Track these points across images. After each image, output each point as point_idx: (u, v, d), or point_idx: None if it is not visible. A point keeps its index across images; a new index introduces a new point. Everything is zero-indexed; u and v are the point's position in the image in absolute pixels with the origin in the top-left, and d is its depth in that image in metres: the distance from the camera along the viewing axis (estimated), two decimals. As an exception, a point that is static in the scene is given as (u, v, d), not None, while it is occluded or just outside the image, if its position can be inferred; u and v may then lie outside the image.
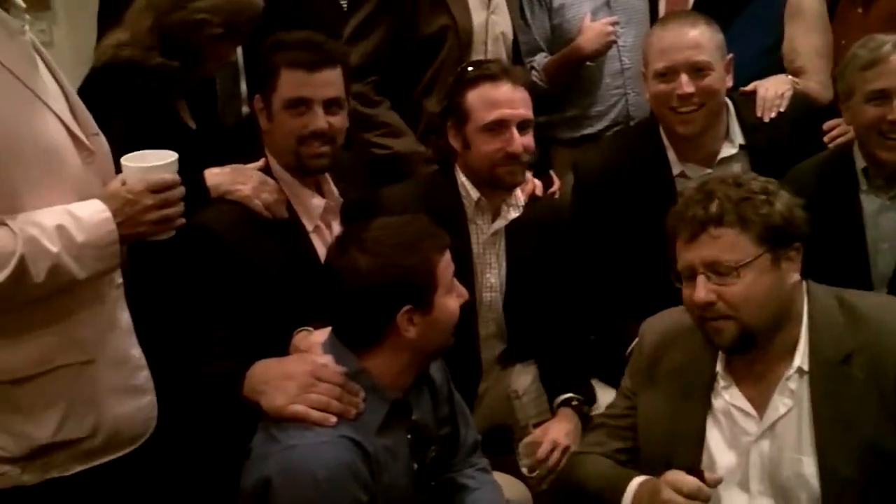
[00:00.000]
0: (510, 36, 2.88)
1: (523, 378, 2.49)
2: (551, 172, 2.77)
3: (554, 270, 2.40)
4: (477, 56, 2.74)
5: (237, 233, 2.05)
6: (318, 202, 2.17)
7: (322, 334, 1.86)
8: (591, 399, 2.36)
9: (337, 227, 2.19)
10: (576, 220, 2.51)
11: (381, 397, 1.78)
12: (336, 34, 2.57)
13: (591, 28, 2.97)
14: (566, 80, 3.05)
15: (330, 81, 2.11)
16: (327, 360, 1.79)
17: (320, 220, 2.18)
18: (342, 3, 2.92)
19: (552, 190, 2.66)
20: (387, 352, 1.77)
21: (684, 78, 2.33)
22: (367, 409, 1.75)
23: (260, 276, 2.03)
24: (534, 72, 3.03)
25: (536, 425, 2.34)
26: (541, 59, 3.05)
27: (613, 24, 2.96)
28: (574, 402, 2.32)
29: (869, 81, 2.22)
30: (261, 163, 2.17)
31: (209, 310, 2.02)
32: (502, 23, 2.85)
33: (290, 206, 2.14)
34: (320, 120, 2.09)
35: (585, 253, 2.46)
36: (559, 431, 2.25)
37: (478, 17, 2.76)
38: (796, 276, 1.78)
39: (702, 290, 1.71)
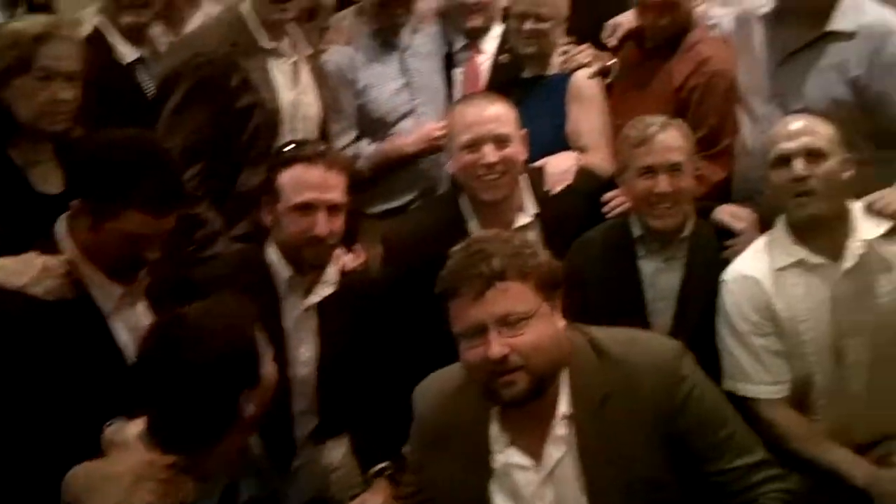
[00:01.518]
0: (319, 116, 2.97)
1: (336, 452, 2.53)
2: (358, 245, 2.82)
3: (367, 344, 2.44)
4: (287, 135, 2.82)
5: (19, 322, 1.93)
6: (116, 288, 2.06)
7: (137, 426, 1.74)
8: (404, 467, 2.38)
9: (143, 309, 2.13)
10: (387, 292, 2.58)
11: (210, 485, 1.74)
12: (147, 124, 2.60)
13: (418, 131, 3.11)
14: (388, 172, 3.17)
15: None
16: (151, 456, 1.67)
17: (121, 300, 2.08)
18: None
19: (362, 261, 2.71)
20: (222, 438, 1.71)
21: (489, 148, 2.52)
22: (198, 500, 1.69)
23: (52, 367, 1.91)
24: (359, 159, 3.13)
25: (352, 498, 2.38)
26: (365, 146, 3.16)
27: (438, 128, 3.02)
28: (388, 472, 2.37)
29: (639, 158, 2.48)
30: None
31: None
32: (310, 103, 2.93)
33: (84, 289, 2.02)
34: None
35: (398, 324, 2.51)
36: (374, 503, 2.32)
37: (285, 96, 2.84)
38: (563, 322, 1.90)
39: (496, 344, 1.75)
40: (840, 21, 2.63)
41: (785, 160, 2.31)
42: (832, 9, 2.64)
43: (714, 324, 2.44)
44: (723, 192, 2.82)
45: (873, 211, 2.34)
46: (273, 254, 2.40)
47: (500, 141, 2.53)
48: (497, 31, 3.29)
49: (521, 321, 1.78)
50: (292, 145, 2.49)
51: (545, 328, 1.81)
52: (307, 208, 2.32)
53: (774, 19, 2.78)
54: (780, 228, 2.40)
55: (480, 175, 2.53)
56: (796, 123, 2.36)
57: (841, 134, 2.38)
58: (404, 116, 3.19)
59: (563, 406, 1.85)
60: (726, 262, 2.47)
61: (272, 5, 2.77)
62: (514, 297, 1.78)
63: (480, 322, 1.77)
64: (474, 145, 2.53)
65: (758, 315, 2.36)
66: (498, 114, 2.57)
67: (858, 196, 2.39)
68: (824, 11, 2.65)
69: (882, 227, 2.30)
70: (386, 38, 3.19)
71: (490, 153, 2.51)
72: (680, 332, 2.46)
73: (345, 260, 2.57)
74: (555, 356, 1.83)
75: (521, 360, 1.77)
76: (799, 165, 2.28)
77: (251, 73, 2.77)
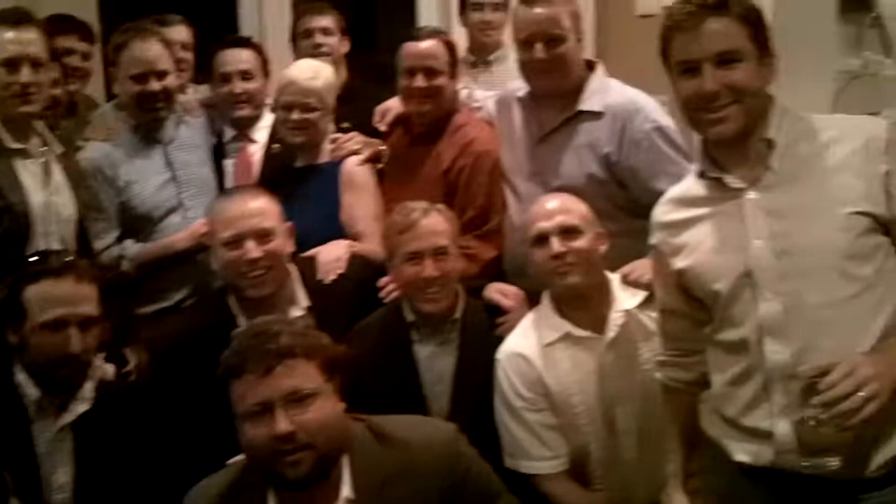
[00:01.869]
0: (73, 216, 2.79)
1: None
2: (126, 351, 2.69)
3: (130, 461, 2.28)
4: (40, 239, 2.64)
5: None
6: None
7: None
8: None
9: None
10: (152, 400, 2.43)
11: None
12: None
13: (189, 228, 2.99)
14: (158, 271, 3.04)
15: None
16: None
17: None
18: None
19: (126, 369, 2.60)
20: None
21: (251, 244, 2.46)
22: None
23: None
24: (123, 260, 2.99)
25: None
26: (130, 245, 3.01)
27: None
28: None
29: (404, 244, 2.49)
30: None
31: None
32: (65, 203, 2.76)
33: None
34: None
35: (165, 433, 2.37)
36: None
37: (36, 198, 2.66)
38: (343, 405, 1.90)
39: (283, 421, 1.75)
40: (589, 102, 2.76)
41: (543, 238, 2.38)
42: (582, 90, 2.78)
43: (492, 403, 2.46)
44: (495, 270, 2.88)
45: (629, 282, 2.44)
46: (20, 374, 2.24)
47: (263, 235, 2.48)
48: (268, 120, 3.26)
49: (307, 399, 1.79)
50: (37, 258, 2.35)
51: (330, 408, 1.83)
52: (58, 326, 2.19)
53: (531, 101, 2.89)
54: (545, 304, 2.46)
55: (245, 272, 2.48)
56: (551, 203, 2.45)
57: (596, 209, 2.49)
58: (171, 211, 3.06)
59: (346, 490, 1.86)
60: (499, 340, 2.51)
61: (12, 101, 2.61)
62: (301, 374, 1.80)
63: (267, 399, 1.77)
64: (236, 241, 2.48)
65: (530, 391, 2.40)
66: (259, 208, 2.52)
67: (617, 266, 2.49)
68: (574, 93, 2.78)
69: (638, 296, 2.40)
70: (148, 132, 3.07)
71: (253, 249, 2.46)
72: (458, 413, 2.49)
73: (104, 371, 2.42)
74: (339, 437, 1.85)
75: (308, 437, 1.77)
76: (556, 243, 2.35)
77: None
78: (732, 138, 1.85)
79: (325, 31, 3.47)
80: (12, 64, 2.58)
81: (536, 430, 2.40)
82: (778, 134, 1.84)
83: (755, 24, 1.83)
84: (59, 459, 2.24)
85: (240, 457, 1.92)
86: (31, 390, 2.22)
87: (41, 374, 2.21)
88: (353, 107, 3.32)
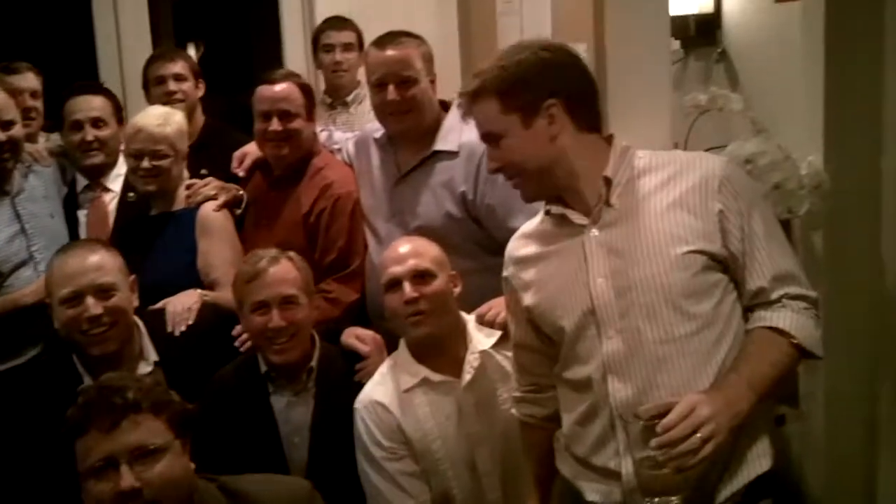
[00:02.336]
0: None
1: None
2: None
3: None
4: None
5: None
6: None
7: None
8: None
9: None
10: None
11: None
12: None
13: (37, 281, 2.87)
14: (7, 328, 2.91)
15: None
16: None
17: None
18: None
19: None
20: None
21: (91, 300, 2.37)
22: None
23: None
24: None
25: None
26: None
27: None
28: None
29: (251, 293, 2.44)
30: None
31: None
32: None
33: None
34: None
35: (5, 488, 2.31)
36: None
37: None
38: (192, 464, 1.86)
39: (128, 477, 1.72)
40: (444, 141, 2.77)
41: (395, 283, 2.35)
42: (437, 130, 2.78)
43: (352, 452, 2.41)
44: (357, 313, 2.84)
45: (485, 322, 2.42)
46: None
47: (104, 291, 2.39)
48: (123, 168, 3.16)
49: (154, 455, 1.76)
50: None
51: (178, 465, 1.80)
52: None
53: (388, 142, 2.89)
54: (402, 349, 2.43)
55: (86, 330, 2.38)
56: (403, 247, 2.42)
57: (454, 247, 2.49)
58: (21, 265, 2.95)
59: None
60: (358, 387, 2.47)
61: None
62: (148, 430, 1.77)
63: (112, 454, 1.74)
64: (75, 298, 2.38)
65: (389, 440, 2.36)
66: (98, 263, 2.42)
67: (476, 304, 2.47)
68: (430, 133, 2.78)
69: (493, 337, 2.39)
70: (-6, 184, 2.96)
71: (93, 306, 2.36)
72: (317, 465, 2.45)
73: None
74: (187, 495, 1.81)
75: (154, 494, 1.74)
76: (408, 288, 2.33)
77: None
78: (535, 199, 1.94)
79: (178, 78, 3.40)
80: None
81: (398, 479, 2.35)
82: (617, 172, 1.86)
83: (509, 92, 1.82)
84: None
85: None
86: None
87: None
88: (214, 151, 3.27)
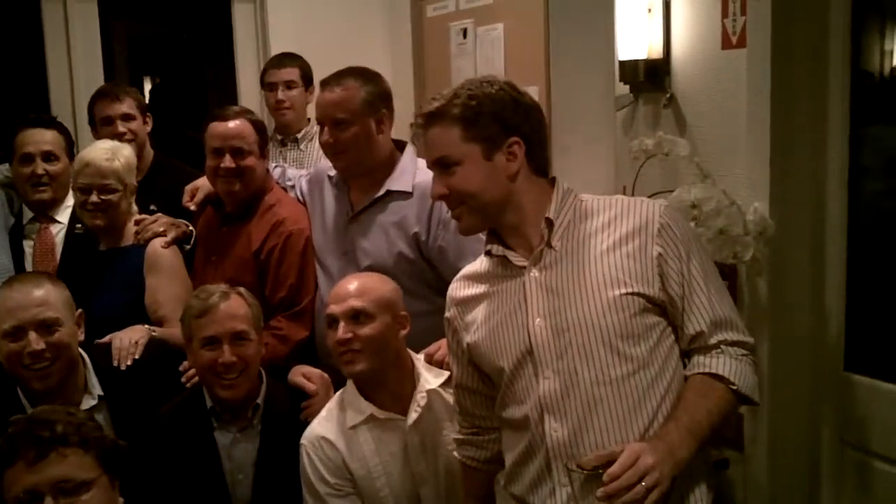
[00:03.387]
0: None
1: None
2: None
3: None
4: None
5: None
6: None
7: None
8: None
9: None
10: None
11: None
12: None
13: None
14: None
15: None
16: None
17: None
18: None
19: None
20: None
21: (33, 335, 2.35)
22: None
23: None
24: None
25: None
26: None
27: None
28: None
29: (202, 328, 2.42)
30: None
31: None
32: None
33: None
34: None
35: None
36: None
37: None
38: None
39: None
40: (397, 181, 2.78)
41: (333, 322, 2.35)
42: (391, 170, 2.79)
43: (296, 490, 2.38)
44: (305, 350, 2.82)
45: (433, 362, 2.42)
46: None
47: (47, 326, 2.37)
48: (72, 200, 3.13)
49: (79, 489, 1.76)
50: None
51: (104, 500, 1.80)
52: None
53: (341, 180, 2.89)
54: (350, 385, 2.42)
55: (28, 364, 2.35)
56: (351, 285, 2.41)
57: (404, 288, 2.49)
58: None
59: None
60: (304, 425, 2.45)
61: None
62: (74, 464, 1.77)
63: (36, 486, 1.73)
64: (17, 333, 2.36)
65: (334, 476, 2.35)
66: (42, 297, 2.40)
67: (426, 345, 2.47)
68: (384, 173, 2.79)
69: (442, 376, 2.38)
70: (-63, 216, 2.91)
71: (35, 340, 2.34)
72: (261, 502, 2.43)
73: None
74: None
75: None
76: (341, 329, 2.33)
77: None
78: (476, 232, 1.95)
79: (126, 117, 3.35)
80: None
81: None
82: (559, 214, 1.88)
83: (473, 122, 1.84)
84: None
85: None
86: None
87: None
88: (163, 186, 3.25)
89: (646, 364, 1.81)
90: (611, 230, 1.86)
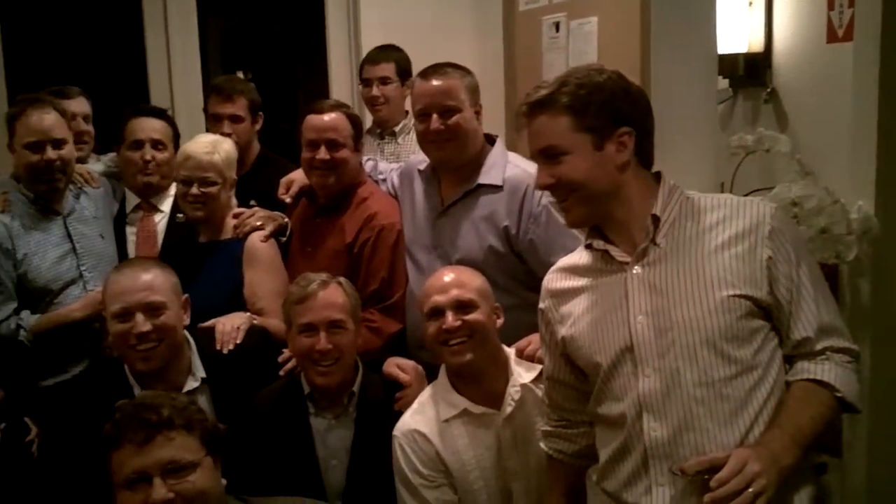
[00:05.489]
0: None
1: None
2: (27, 420, 2.66)
3: None
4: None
5: None
6: None
7: None
8: None
9: None
10: (47, 465, 2.45)
11: None
12: None
13: (86, 296, 2.95)
14: (56, 343, 2.96)
15: None
16: None
17: None
18: None
19: (29, 438, 2.59)
20: None
21: (140, 317, 2.43)
22: None
23: None
24: (21, 331, 2.90)
25: None
26: (27, 316, 2.93)
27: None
28: None
29: (300, 315, 2.47)
30: None
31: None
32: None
33: None
34: None
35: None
36: None
37: None
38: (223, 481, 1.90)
39: (160, 489, 1.78)
40: (488, 175, 2.78)
41: (438, 312, 2.36)
42: (481, 164, 2.80)
43: (388, 479, 2.41)
44: (398, 343, 2.85)
45: (524, 356, 2.42)
46: None
47: (153, 309, 2.44)
48: (174, 189, 3.22)
49: (185, 470, 1.81)
50: None
51: (209, 480, 1.85)
52: None
53: (432, 174, 2.91)
54: (442, 379, 2.44)
55: (133, 345, 2.43)
56: (447, 276, 2.44)
57: (493, 282, 2.49)
58: (71, 284, 3.00)
59: None
60: (397, 415, 2.48)
61: None
62: (180, 445, 1.83)
63: (145, 468, 1.79)
64: (125, 315, 2.43)
65: (428, 468, 2.37)
66: (149, 282, 2.48)
67: (513, 340, 2.47)
68: (474, 166, 2.80)
69: (534, 371, 2.38)
70: (46, 204, 3.02)
71: (142, 323, 2.41)
72: (353, 489, 2.47)
73: None
74: None
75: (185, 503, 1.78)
76: (450, 317, 2.34)
77: None
78: (581, 225, 1.92)
79: (234, 119, 3.43)
80: None
81: None
82: (664, 210, 1.86)
83: (583, 111, 1.81)
84: None
85: None
86: None
87: None
88: (263, 180, 3.32)
89: (749, 367, 1.78)
90: (719, 230, 1.83)
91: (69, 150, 3.00)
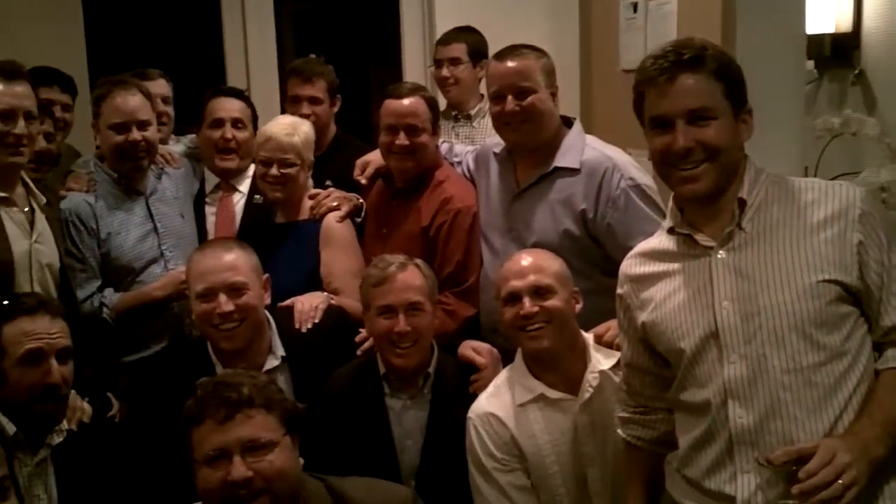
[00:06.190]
0: (56, 264, 2.80)
1: None
2: (109, 395, 2.72)
3: (106, 492, 2.30)
4: (25, 286, 2.64)
5: None
6: None
7: None
8: None
9: None
10: (130, 437, 2.49)
11: None
12: None
13: (167, 275, 3.01)
14: (138, 321, 3.04)
15: None
16: None
17: None
18: None
19: (111, 413, 2.64)
20: None
21: (223, 297, 2.47)
22: None
23: None
24: (104, 309, 2.99)
25: None
26: (110, 294, 3.01)
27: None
28: None
29: (379, 297, 2.48)
30: None
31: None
32: (47, 251, 2.77)
33: None
34: None
35: (136, 467, 2.40)
36: None
37: (19, 246, 2.67)
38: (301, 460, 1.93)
39: (240, 467, 1.79)
40: (565, 158, 2.76)
41: (515, 297, 2.35)
42: (558, 146, 2.77)
43: (462, 461, 2.42)
44: (472, 327, 2.85)
45: (603, 342, 2.40)
46: None
47: (235, 289, 2.48)
48: (252, 170, 3.26)
49: (265, 448, 1.83)
50: (6, 301, 2.37)
51: (288, 458, 1.86)
52: (37, 358, 2.24)
53: (507, 157, 2.89)
54: (519, 363, 2.43)
55: (216, 324, 2.48)
56: (525, 260, 2.42)
57: (569, 266, 2.47)
58: (152, 263, 3.07)
59: None
60: (471, 398, 2.48)
61: (3, 151, 2.62)
62: (260, 424, 1.84)
63: (225, 445, 1.81)
64: (209, 294, 2.48)
65: (502, 452, 2.36)
66: (232, 262, 2.52)
67: (588, 325, 2.45)
68: (551, 149, 2.77)
69: (613, 357, 2.36)
70: (129, 184, 3.09)
71: (224, 303, 2.46)
72: (428, 469, 2.48)
73: (83, 410, 2.45)
74: (295, 488, 1.87)
75: (264, 484, 1.80)
76: (527, 303, 2.33)
77: None
78: (704, 196, 1.83)
79: (313, 100, 3.47)
80: (7, 115, 2.61)
81: (507, 490, 2.35)
82: (751, 194, 1.83)
83: (730, 80, 1.81)
84: (38, 493, 2.26)
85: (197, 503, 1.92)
86: (6, 426, 2.23)
87: (20, 410, 2.22)
88: (339, 161, 3.34)
89: (838, 354, 1.74)
90: (808, 214, 1.79)
91: (153, 132, 3.07)
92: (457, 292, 2.87)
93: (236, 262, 2.52)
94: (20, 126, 2.62)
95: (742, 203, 1.82)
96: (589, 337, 2.43)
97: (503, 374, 2.47)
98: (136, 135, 3.00)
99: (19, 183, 2.75)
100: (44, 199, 2.82)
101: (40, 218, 2.78)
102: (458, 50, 3.84)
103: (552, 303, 2.33)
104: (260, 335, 2.57)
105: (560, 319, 2.33)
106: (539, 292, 2.34)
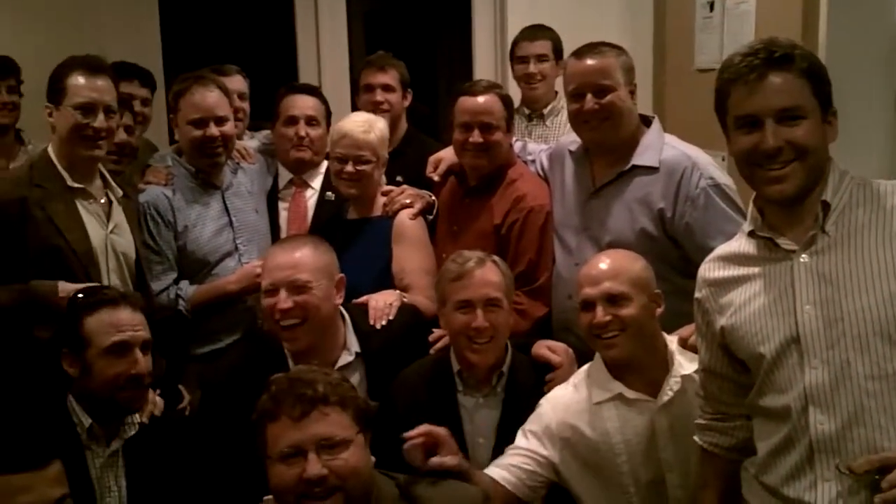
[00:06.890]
0: (132, 255, 2.87)
1: None
2: (180, 387, 2.78)
3: (177, 483, 2.30)
4: (100, 277, 2.71)
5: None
6: None
7: None
8: None
9: None
10: (202, 427, 2.51)
11: None
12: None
13: (242, 269, 3.06)
14: (212, 313, 3.08)
15: None
16: None
17: None
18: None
19: (182, 405, 2.68)
20: None
21: (283, 294, 2.47)
22: None
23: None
24: (180, 300, 3.04)
25: None
26: (186, 287, 3.06)
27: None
28: None
29: (457, 292, 2.47)
30: None
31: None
32: (123, 242, 2.83)
33: None
34: None
35: (208, 458, 2.39)
36: None
37: (97, 236, 2.74)
38: (373, 458, 1.93)
39: (315, 464, 1.81)
40: (643, 156, 2.73)
41: (589, 305, 2.33)
42: (636, 145, 2.74)
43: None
44: (544, 326, 2.84)
45: (687, 346, 2.36)
46: (73, 403, 2.28)
47: (296, 288, 2.48)
48: (325, 167, 3.30)
49: (339, 446, 1.84)
50: (85, 293, 2.40)
51: (361, 456, 1.88)
52: (123, 349, 2.27)
53: (583, 155, 2.87)
54: (598, 362, 2.40)
55: (277, 319, 2.49)
56: (602, 264, 2.37)
57: (650, 268, 2.42)
58: (227, 256, 3.12)
59: None
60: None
61: (83, 143, 2.69)
62: (335, 422, 1.85)
63: (301, 443, 1.82)
64: (272, 290, 2.50)
65: (538, 440, 2.36)
66: (297, 261, 2.51)
67: (665, 327, 2.41)
68: (629, 147, 2.74)
69: (696, 362, 2.31)
70: (206, 178, 3.14)
71: (283, 300, 2.46)
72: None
73: (157, 403, 2.50)
74: (368, 486, 1.89)
75: (338, 481, 1.82)
76: (600, 312, 2.30)
77: (56, 215, 2.67)
78: (792, 197, 1.79)
79: (386, 88, 3.50)
80: (88, 109, 2.68)
81: (520, 454, 2.36)
82: (835, 197, 1.79)
83: (818, 79, 1.78)
84: (109, 484, 2.28)
85: (268, 497, 1.93)
86: (83, 418, 2.26)
87: (100, 400, 2.26)
88: (410, 158, 3.35)
89: None
90: (894, 218, 1.75)
91: (230, 127, 3.11)
92: (528, 291, 2.85)
93: (301, 260, 2.52)
94: (99, 120, 2.69)
95: (826, 206, 1.78)
96: (673, 340, 2.39)
97: (581, 372, 2.44)
98: (213, 130, 3.05)
99: (97, 175, 2.82)
100: (120, 192, 2.88)
101: (117, 209, 2.85)
102: (545, 46, 3.82)
103: (626, 311, 2.28)
104: (331, 332, 2.57)
105: (634, 328, 2.29)
106: (613, 300, 2.29)
